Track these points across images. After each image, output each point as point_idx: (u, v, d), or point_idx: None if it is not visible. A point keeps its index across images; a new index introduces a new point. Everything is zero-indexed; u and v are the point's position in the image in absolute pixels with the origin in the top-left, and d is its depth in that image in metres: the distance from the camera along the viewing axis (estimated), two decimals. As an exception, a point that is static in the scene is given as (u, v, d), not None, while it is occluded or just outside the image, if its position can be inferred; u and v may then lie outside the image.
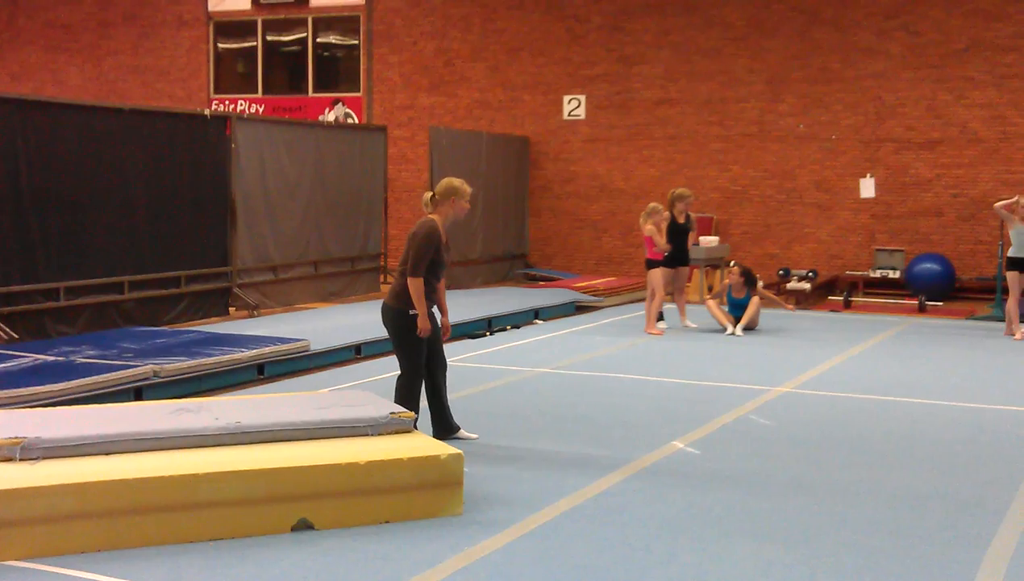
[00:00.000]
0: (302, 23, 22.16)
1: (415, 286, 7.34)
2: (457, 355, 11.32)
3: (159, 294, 13.02)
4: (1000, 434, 8.21)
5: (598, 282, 17.59)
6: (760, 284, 14.06)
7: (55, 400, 8.09)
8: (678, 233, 13.63)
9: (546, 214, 20.47)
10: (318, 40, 22.20)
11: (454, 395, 9.01)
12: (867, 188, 18.21)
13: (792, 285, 17.11)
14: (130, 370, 8.93)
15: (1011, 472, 7.10)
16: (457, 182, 7.61)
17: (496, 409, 8.91)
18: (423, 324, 7.41)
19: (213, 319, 13.60)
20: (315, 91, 22.13)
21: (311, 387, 9.71)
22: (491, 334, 13.37)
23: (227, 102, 22.53)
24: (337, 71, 22.38)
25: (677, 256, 13.67)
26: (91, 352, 9.74)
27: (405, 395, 7.47)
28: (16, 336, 10.83)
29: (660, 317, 13.72)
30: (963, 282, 17.64)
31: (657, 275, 13.31)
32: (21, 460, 5.50)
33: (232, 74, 23.12)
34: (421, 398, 7.61)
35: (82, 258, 12.00)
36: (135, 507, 5.34)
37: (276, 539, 5.51)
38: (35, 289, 11.45)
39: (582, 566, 5.23)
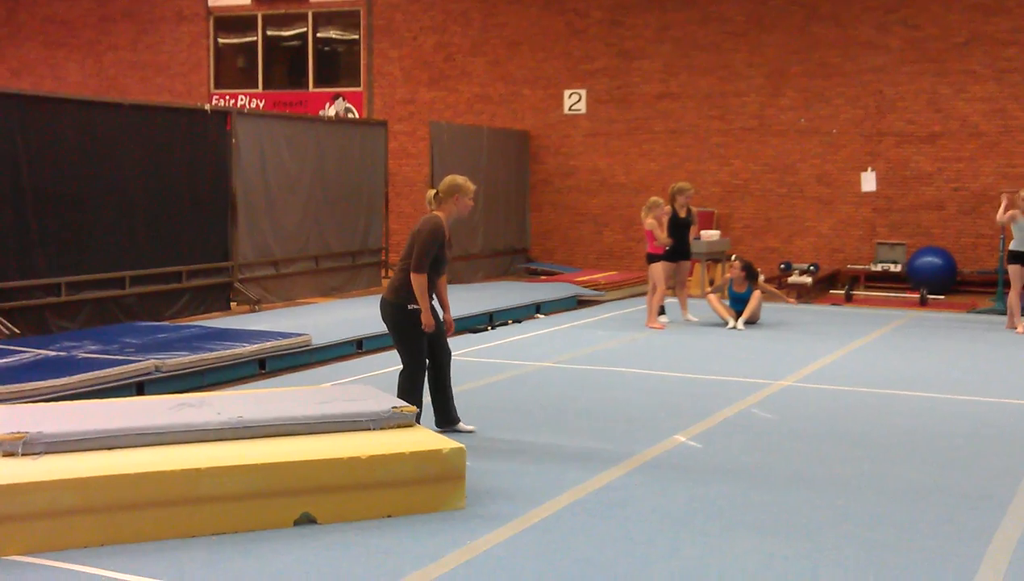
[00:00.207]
0: (302, 18, 22.14)
1: (418, 282, 7.36)
2: (459, 349, 11.30)
3: (160, 289, 13.02)
4: (1002, 427, 8.20)
5: (599, 276, 17.58)
6: (761, 278, 14.06)
7: (57, 395, 8.09)
8: (679, 227, 13.62)
9: (547, 208, 20.46)
10: (318, 35, 22.17)
11: (456, 389, 9.01)
12: (868, 182, 18.20)
13: (793, 279, 17.10)
14: (132, 365, 8.93)
15: (1013, 465, 7.09)
16: (460, 179, 7.61)
17: (498, 403, 8.91)
18: (427, 319, 7.44)
19: (214, 314, 13.59)
20: (316, 86, 22.10)
21: (313, 382, 9.71)
22: (492, 328, 13.37)
23: (227, 97, 22.51)
24: (337, 66, 22.35)
25: (678, 250, 13.66)
26: (92, 347, 9.74)
27: (407, 389, 7.47)
28: (17, 331, 10.83)
29: (661, 311, 13.73)
30: (964, 275, 17.62)
31: (658, 269, 13.31)
32: (23, 455, 5.51)
33: (232, 69, 23.10)
34: (424, 393, 7.62)
35: (83, 253, 12.00)
36: (137, 502, 5.35)
37: (278, 533, 5.51)
38: (36, 284, 11.45)
39: (584, 560, 5.23)
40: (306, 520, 5.63)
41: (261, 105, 22.07)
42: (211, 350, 9.77)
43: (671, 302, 14.47)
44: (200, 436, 5.93)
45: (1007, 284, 13.72)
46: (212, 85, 22.90)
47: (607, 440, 7.65)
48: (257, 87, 22.51)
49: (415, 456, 5.88)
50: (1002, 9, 17.43)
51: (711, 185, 19.14)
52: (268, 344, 10.32)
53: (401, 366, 7.65)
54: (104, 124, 12.40)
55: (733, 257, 14.94)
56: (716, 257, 17.09)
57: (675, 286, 14.08)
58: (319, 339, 11.04)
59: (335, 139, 16.40)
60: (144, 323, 11.85)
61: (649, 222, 13.18)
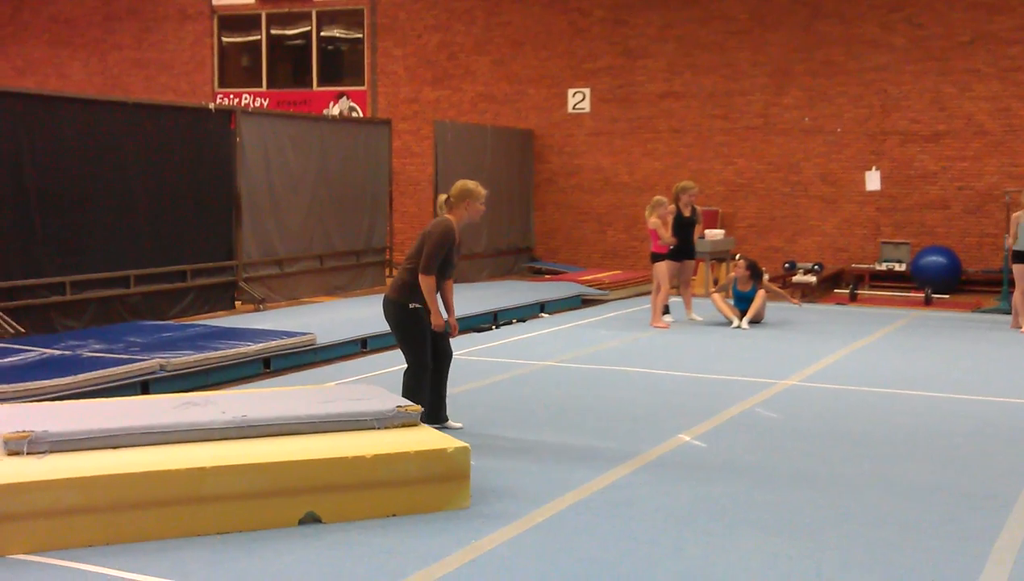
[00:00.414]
0: (306, 17, 22.14)
1: (427, 283, 7.41)
2: (463, 348, 11.32)
3: (165, 288, 13.03)
4: (1006, 427, 8.20)
5: (604, 275, 17.58)
6: (766, 277, 14.05)
7: (62, 394, 8.10)
8: (683, 226, 13.61)
9: (551, 207, 20.46)
10: (322, 34, 22.18)
11: (460, 388, 9.03)
12: (872, 181, 18.18)
13: (798, 278, 17.09)
14: (137, 364, 8.93)
15: (1017, 465, 7.09)
16: (472, 184, 7.65)
17: (502, 402, 8.92)
18: (436, 321, 7.51)
19: (219, 313, 13.60)
20: (319, 85, 22.11)
21: (317, 381, 9.72)
22: (497, 327, 13.37)
23: (231, 96, 22.53)
24: (341, 65, 22.35)
25: (683, 249, 13.66)
26: (97, 346, 9.75)
27: (413, 388, 7.49)
28: (23, 330, 10.84)
29: (666, 310, 13.73)
30: (969, 275, 17.61)
31: (662, 268, 13.31)
32: (28, 454, 5.51)
33: (236, 68, 23.11)
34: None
35: (87, 252, 12.01)
36: (142, 501, 5.35)
37: (281, 533, 5.51)
38: (41, 283, 11.46)
39: (589, 560, 5.23)
40: (311, 519, 5.64)
41: (265, 104, 22.08)
42: (216, 349, 9.78)
43: (675, 301, 14.47)
44: (205, 435, 5.93)
45: (1012, 283, 13.70)
46: (216, 84, 22.91)
47: (611, 439, 7.65)
48: (261, 86, 22.52)
49: (420, 455, 5.88)
50: (1006, 8, 17.41)
51: (715, 184, 19.13)
52: (273, 343, 10.33)
53: (406, 365, 7.66)
54: (108, 123, 12.41)
55: (737, 256, 14.95)
56: (720, 256, 17.08)
57: (679, 285, 14.08)
58: (323, 338, 11.04)
59: (339, 138, 16.41)
60: (149, 322, 11.85)
61: (653, 221, 13.17)
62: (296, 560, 5.17)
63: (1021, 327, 13.15)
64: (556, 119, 20.26)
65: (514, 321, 13.89)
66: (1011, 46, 17.41)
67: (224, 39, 22.91)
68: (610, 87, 19.82)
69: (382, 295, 7.86)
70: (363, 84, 21.71)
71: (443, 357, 7.77)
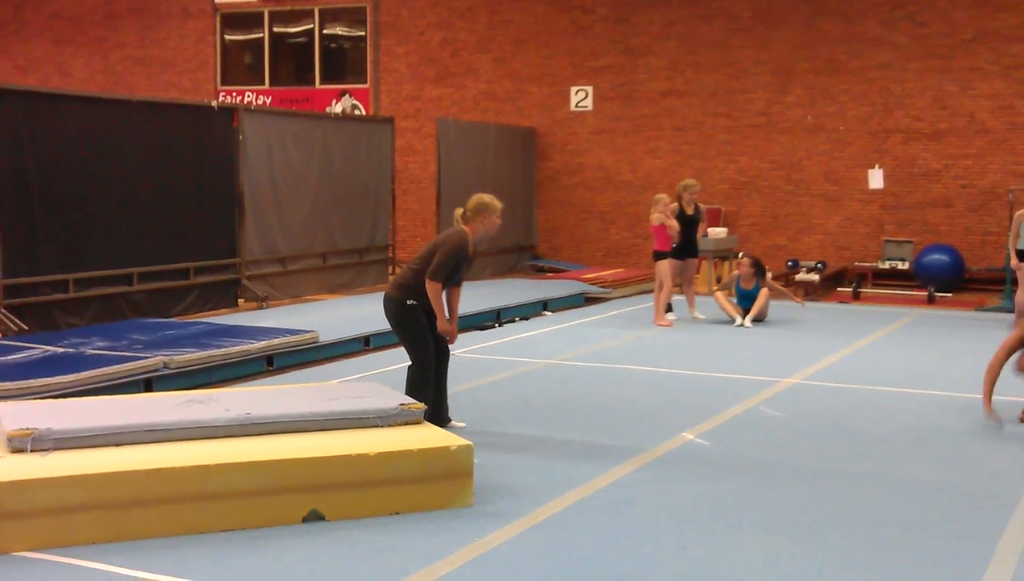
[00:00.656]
0: (309, 14, 22.14)
1: (433, 289, 7.52)
2: (466, 346, 11.33)
3: (168, 286, 13.04)
4: (1009, 426, 8.19)
5: (606, 273, 17.57)
6: (769, 275, 14.05)
7: (65, 391, 8.10)
8: (686, 224, 13.61)
9: (553, 205, 20.45)
10: (325, 31, 22.17)
11: (463, 386, 9.03)
12: (875, 179, 18.17)
13: (801, 276, 17.09)
14: (140, 361, 8.94)
15: (1021, 464, 7.09)
16: (487, 198, 7.73)
17: (505, 400, 8.92)
18: (442, 326, 7.63)
19: (222, 310, 13.61)
20: (322, 82, 22.11)
21: (320, 378, 9.72)
22: (500, 325, 13.37)
23: (234, 94, 22.53)
24: (344, 62, 22.35)
25: (686, 247, 13.66)
26: (101, 343, 9.76)
27: (416, 384, 7.54)
28: (26, 328, 10.85)
29: (669, 308, 13.72)
30: (972, 273, 17.59)
31: (665, 266, 13.31)
32: (32, 451, 5.52)
33: (239, 66, 23.12)
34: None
35: (90, 250, 12.01)
36: (145, 498, 5.36)
37: (285, 530, 5.52)
38: (43, 281, 11.47)
39: (592, 558, 5.24)
40: (315, 517, 5.64)
41: (268, 102, 22.08)
42: (219, 347, 9.78)
43: (678, 299, 14.47)
44: (208, 433, 5.94)
45: (1015, 282, 13.68)
46: (219, 82, 22.91)
47: (614, 437, 7.66)
48: (264, 84, 22.53)
49: (423, 453, 5.89)
50: (1009, 5, 17.39)
51: (717, 182, 19.12)
52: (276, 341, 10.33)
53: (409, 362, 7.70)
54: (111, 121, 12.41)
55: (741, 254, 14.94)
56: (723, 254, 17.08)
57: (682, 283, 14.07)
58: (327, 336, 11.04)
59: (342, 136, 16.41)
60: (152, 320, 11.86)
61: (655, 217, 13.17)
62: (299, 558, 5.17)
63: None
64: (558, 117, 20.25)
65: (517, 319, 13.89)
66: (1014, 43, 17.39)
67: (227, 37, 22.91)
68: (612, 85, 19.82)
69: (384, 293, 7.92)
70: (366, 82, 21.71)
71: (442, 356, 7.81)
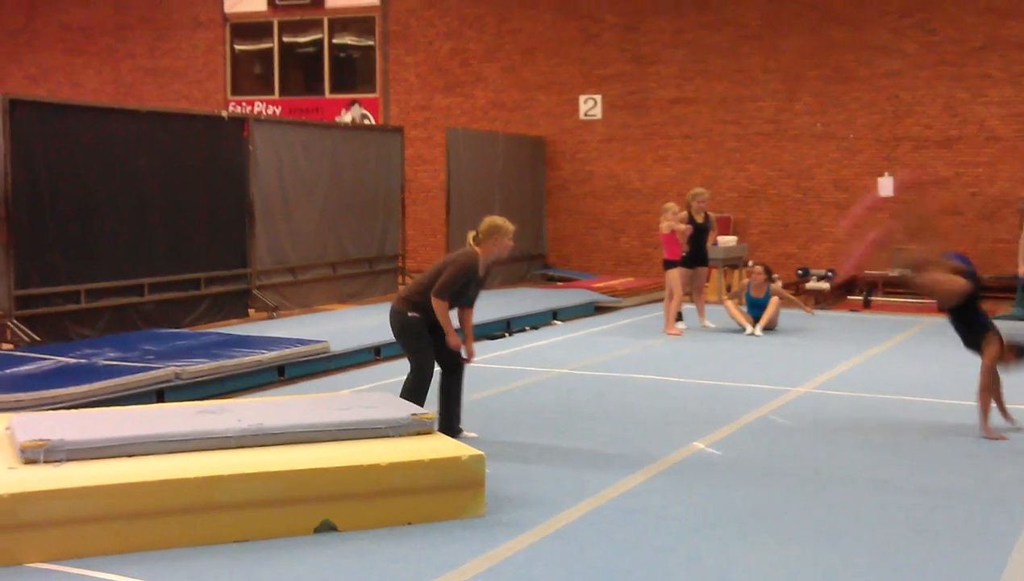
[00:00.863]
0: (318, 24, 22.19)
1: (439, 306, 7.57)
2: (477, 356, 11.30)
3: (179, 296, 13.07)
4: (1022, 433, 8.16)
5: (616, 282, 17.57)
6: (779, 283, 14.02)
7: (77, 402, 8.12)
8: (696, 232, 13.60)
9: (563, 214, 20.45)
10: (334, 41, 22.22)
11: (474, 396, 9.03)
12: (885, 187, 18.12)
13: (811, 285, 17.06)
14: (152, 372, 8.96)
15: (1034, 472, 7.07)
16: (500, 221, 7.82)
17: (516, 409, 8.92)
18: (453, 342, 7.67)
19: (233, 321, 13.64)
20: (331, 92, 22.16)
21: (331, 388, 9.73)
22: (510, 335, 13.37)
23: (244, 104, 22.59)
24: (353, 72, 22.40)
25: (696, 256, 13.65)
26: (113, 354, 9.78)
27: (411, 391, 7.62)
28: (38, 338, 10.89)
29: (679, 317, 13.70)
30: (983, 281, 17.49)
31: (675, 275, 13.30)
32: (45, 462, 5.53)
33: (249, 76, 23.18)
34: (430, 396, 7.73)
35: (102, 260, 12.04)
36: (158, 509, 5.37)
37: (296, 541, 5.52)
38: (55, 292, 11.50)
39: (604, 568, 5.23)
40: (327, 528, 5.65)
41: (277, 112, 22.14)
42: (230, 357, 9.80)
43: (688, 308, 14.46)
44: (220, 443, 5.94)
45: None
46: (229, 92, 22.98)
47: (626, 447, 7.65)
48: (273, 93, 22.58)
49: (435, 463, 5.89)
50: (1019, 13, 17.36)
51: (727, 190, 19.11)
52: (287, 351, 10.34)
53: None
54: (122, 131, 12.45)
55: (751, 262, 14.92)
56: (733, 263, 17.06)
57: (692, 292, 14.06)
58: (337, 346, 11.05)
59: (351, 145, 16.44)
60: (163, 330, 11.87)
61: (665, 225, 13.17)
62: (311, 569, 5.17)
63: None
64: (568, 126, 20.26)
65: (527, 328, 13.89)
66: (1024, 51, 17.38)
67: (237, 47, 22.98)
68: (621, 93, 19.82)
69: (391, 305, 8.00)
70: (375, 91, 21.75)
71: (455, 370, 7.84)
